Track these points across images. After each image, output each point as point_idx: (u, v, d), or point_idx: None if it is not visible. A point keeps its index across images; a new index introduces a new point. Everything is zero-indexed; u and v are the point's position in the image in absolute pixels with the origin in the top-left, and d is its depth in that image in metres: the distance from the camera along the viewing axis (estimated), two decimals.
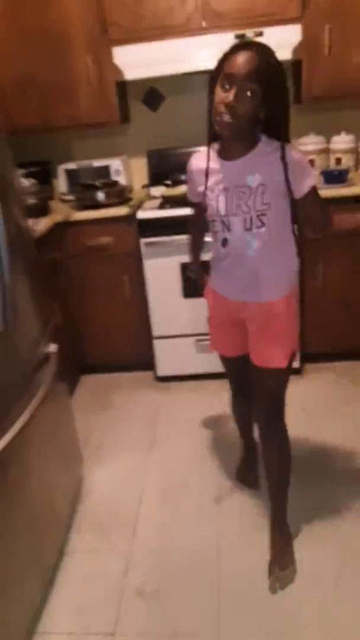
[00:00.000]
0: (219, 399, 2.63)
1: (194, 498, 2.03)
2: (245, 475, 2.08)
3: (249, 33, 2.47)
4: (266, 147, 1.42)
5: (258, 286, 1.55)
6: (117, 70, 2.61)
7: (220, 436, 2.37)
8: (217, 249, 1.60)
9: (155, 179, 2.99)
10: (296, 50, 2.49)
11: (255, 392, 1.71)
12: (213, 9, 2.51)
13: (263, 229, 1.46)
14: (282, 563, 1.66)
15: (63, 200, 3.02)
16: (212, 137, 1.47)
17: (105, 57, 2.61)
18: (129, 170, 3.09)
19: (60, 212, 2.74)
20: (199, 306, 2.67)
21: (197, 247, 1.93)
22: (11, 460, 1.41)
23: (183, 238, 2.56)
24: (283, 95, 1.39)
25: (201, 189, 1.53)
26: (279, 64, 1.35)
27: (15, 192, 1.77)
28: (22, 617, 1.50)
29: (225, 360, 1.85)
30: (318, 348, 2.80)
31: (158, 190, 2.86)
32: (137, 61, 2.56)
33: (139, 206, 2.74)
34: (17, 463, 1.47)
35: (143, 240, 2.62)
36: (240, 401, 1.95)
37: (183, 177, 2.76)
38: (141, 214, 2.62)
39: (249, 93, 1.31)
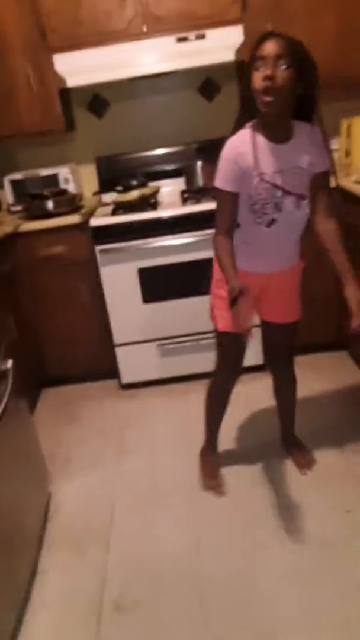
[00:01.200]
0: (185, 402, 2.63)
1: (167, 505, 2.00)
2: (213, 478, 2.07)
3: (192, 36, 2.49)
4: (303, 129, 1.57)
5: (294, 251, 1.78)
6: (59, 78, 2.57)
7: (189, 438, 2.35)
8: (254, 232, 1.67)
9: (106, 185, 2.97)
10: (239, 51, 2.44)
11: (274, 348, 2.01)
12: (153, 13, 2.50)
13: (305, 202, 1.64)
14: (305, 454, 2.12)
15: (10, 212, 2.95)
16: (240, 123, 1.58)
17: (46, 64, 2.57)
18: (78, 178, 3.05)
19: (9, 223, 2.67)
20: (159, 311, 2.70)
21: (233, 251, 1.68)
22: None
23: (139, 243, 2.57)
24: (315, 71, 1.47)
25: (254, 172, 1.56)
26: (305, 46, 1.45)
27: None
28: None
29: (235, 338, 1.73)
30: None
31: (109, 197, 2.84)
32: (79, 68, 2.53)
33: (91, 214, 2.70)
34: None
35: (98, 248, 2.58)
36: (231, 380, 1.99)
37: (134, 182, 2.78)
38: (94, 221, 2.58)
39: (283, 66, 1.40)
